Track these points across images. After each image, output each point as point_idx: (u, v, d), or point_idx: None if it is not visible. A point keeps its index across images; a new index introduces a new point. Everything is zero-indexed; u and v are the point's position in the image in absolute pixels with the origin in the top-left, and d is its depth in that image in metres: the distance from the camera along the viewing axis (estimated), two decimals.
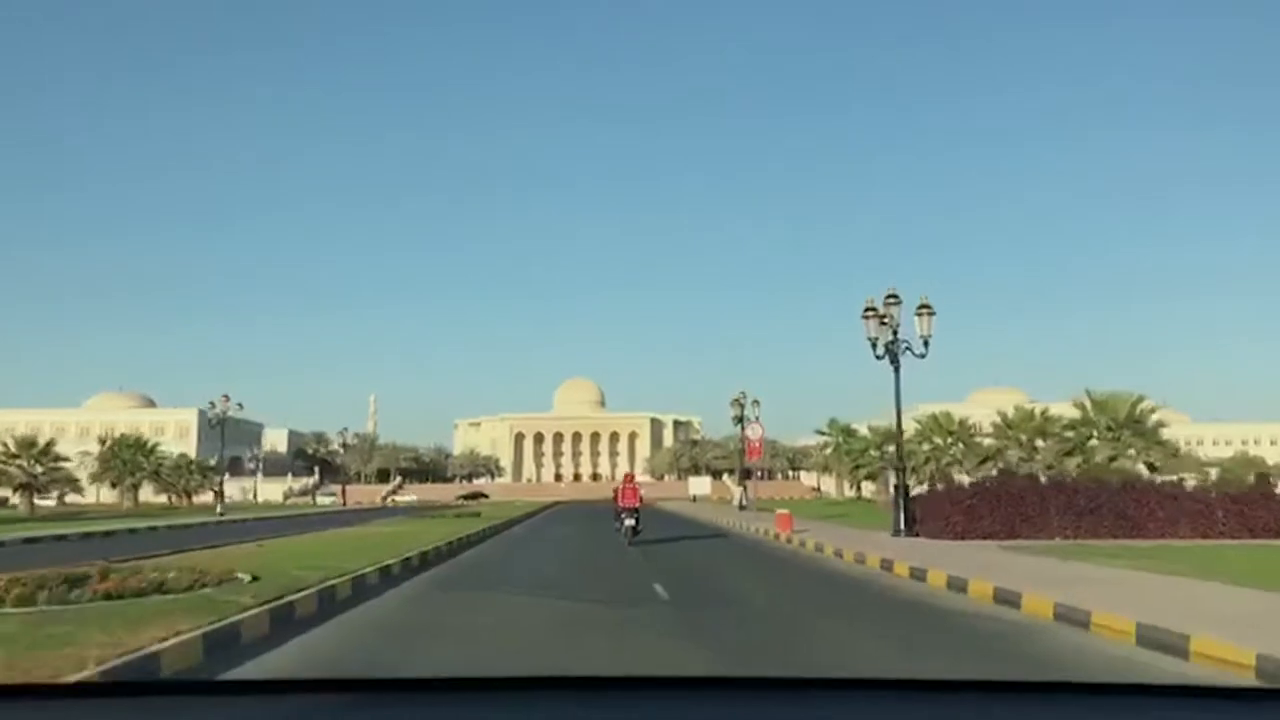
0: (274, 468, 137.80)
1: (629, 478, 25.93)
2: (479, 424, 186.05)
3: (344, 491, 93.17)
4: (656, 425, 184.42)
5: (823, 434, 74.14)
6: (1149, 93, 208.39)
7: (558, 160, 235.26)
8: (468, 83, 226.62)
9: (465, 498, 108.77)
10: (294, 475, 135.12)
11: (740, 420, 52.86)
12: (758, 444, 36.40)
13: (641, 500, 24.82)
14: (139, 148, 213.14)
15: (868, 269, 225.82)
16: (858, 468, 65.69)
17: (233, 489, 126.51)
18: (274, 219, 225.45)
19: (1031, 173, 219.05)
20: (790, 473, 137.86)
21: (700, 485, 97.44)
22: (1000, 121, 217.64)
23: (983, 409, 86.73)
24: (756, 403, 53.40)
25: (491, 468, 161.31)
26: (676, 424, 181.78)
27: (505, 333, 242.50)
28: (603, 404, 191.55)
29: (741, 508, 51.40)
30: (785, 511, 27.73)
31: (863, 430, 70.07)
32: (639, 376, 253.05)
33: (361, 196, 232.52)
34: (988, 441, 49.90)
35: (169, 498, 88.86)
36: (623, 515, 24.08)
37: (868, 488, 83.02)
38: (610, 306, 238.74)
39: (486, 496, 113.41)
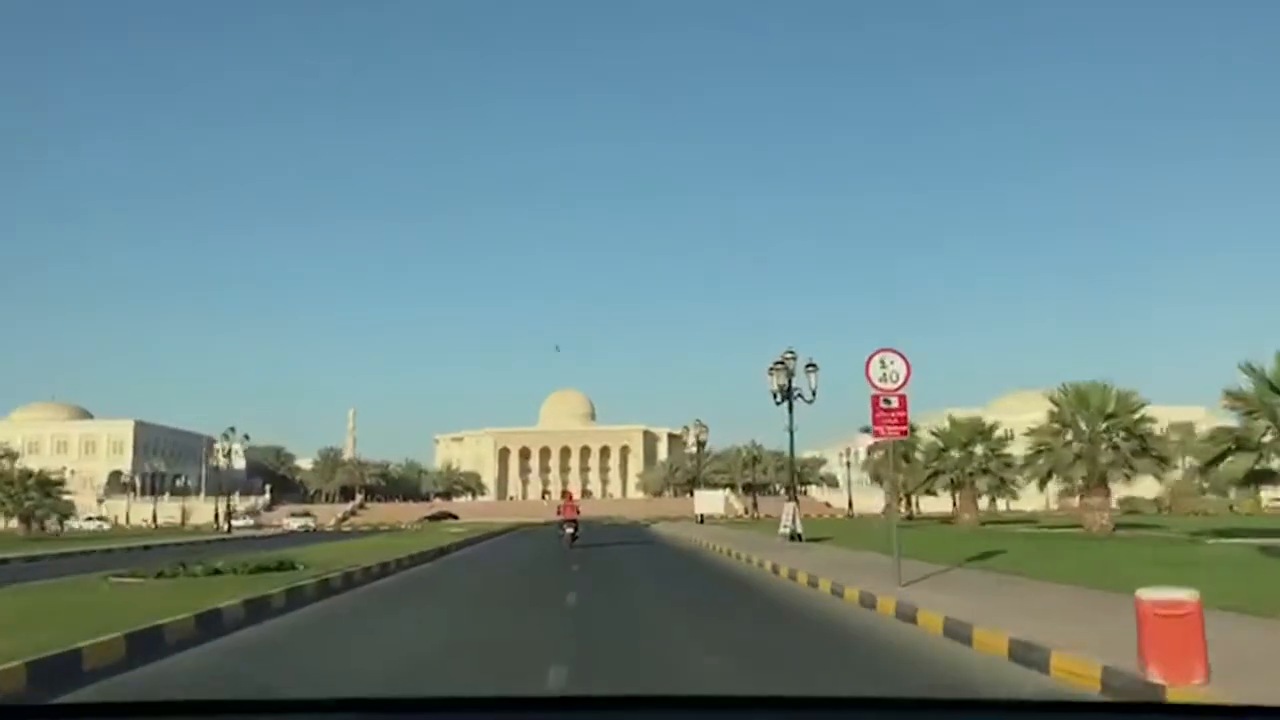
0: (230, 486, 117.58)
1: (569, 495, 32.51)
2: (461, 439, 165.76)
3: (229, 515, 72.21)
4: (650, 438, 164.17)
5: (868, 431, 52.56)
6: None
7: (544, 163, 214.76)
8: (451, 86, 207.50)
9: (431, 518, 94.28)
10: (241, 494, 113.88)
11: (787, 396, 31.67)
12: (898, 395, 14.35)
13: (578, 512, 29.76)
14: (121, 151, 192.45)
15: (866, 272, 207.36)
16: (935, 474, 44.12)
17: (173, 509, 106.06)
18: (251, 225, 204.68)
19: (1021, 167, 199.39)
20: (799, 487, 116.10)
21: (710, 502, 68.92)
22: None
23: (1015, 415, 67.11)
24: (813, 366, 32.33)
25: (473, 484, 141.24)
26: (671, 437, 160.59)
27: (490, 343, 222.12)
28: (593, 417, 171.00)
29: (794, 538, 30.14)
30: (1192, 605, 6.58)
31: (930, 425, 48.89)
32: (631, 388, 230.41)
33: (342, 203, 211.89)
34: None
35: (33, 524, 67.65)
36: (564, 526, 29.25)
37: (915, 503, 62.54)
38: (600, 315, 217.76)
39: (455, 517, 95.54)
